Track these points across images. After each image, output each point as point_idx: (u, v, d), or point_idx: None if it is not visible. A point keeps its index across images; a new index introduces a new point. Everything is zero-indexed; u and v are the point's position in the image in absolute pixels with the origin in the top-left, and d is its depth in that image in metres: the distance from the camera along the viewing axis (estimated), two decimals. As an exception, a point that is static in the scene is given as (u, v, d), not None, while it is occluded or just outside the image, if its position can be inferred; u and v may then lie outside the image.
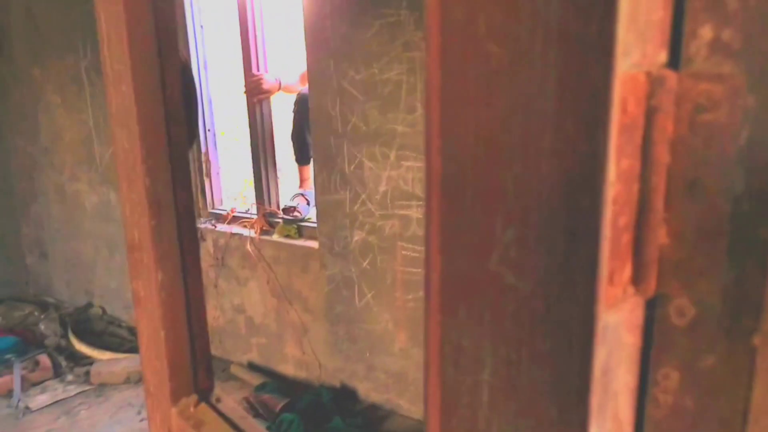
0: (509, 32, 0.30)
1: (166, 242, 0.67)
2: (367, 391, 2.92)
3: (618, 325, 0.31)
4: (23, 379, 3.27)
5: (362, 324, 2.85)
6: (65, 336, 3.73)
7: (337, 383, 3.03)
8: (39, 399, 3.18)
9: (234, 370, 3.35)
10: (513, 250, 0.32)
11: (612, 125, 0.28)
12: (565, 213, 0.29)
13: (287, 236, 3.08)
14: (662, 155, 0.30)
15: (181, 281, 0.69)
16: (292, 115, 3.12)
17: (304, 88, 3.02)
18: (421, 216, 2.52)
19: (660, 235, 0.31)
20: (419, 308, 2.64)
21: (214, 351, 3.53)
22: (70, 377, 3.36)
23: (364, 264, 2.76)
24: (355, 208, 2.72)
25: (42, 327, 3.80)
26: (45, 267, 4.40)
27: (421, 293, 2.65)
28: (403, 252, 2.62)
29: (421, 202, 2.50)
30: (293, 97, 3.12)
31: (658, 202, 0.30)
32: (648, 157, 0.30)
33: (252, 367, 3.37)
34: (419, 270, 2.58)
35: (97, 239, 3.93)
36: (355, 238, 2.76)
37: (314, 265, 2.98)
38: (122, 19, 0.62)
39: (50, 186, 4.11)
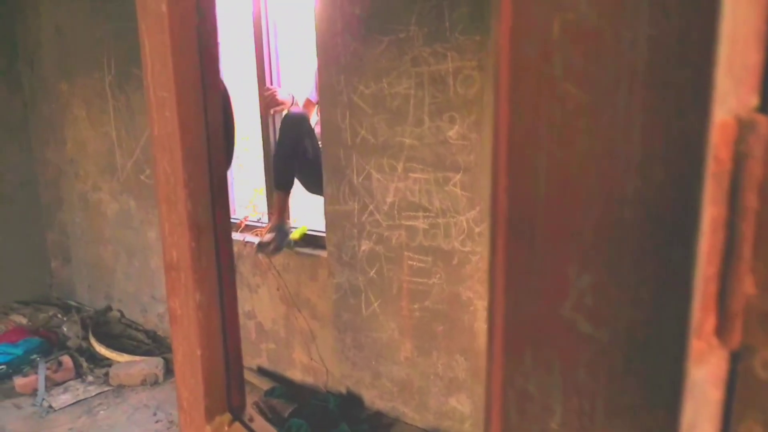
0: (589, 74, 0.27)
1: (205, 263, 0.65)
2: (373, 398, 2.87)
3: (704, 380, 0.28)
4: (47, 379, 3.22)
5: (369, 332, 2.81)
6: (86, 338, 3.68)
7: (343, 389, 2.98)
8: (62, 398, 3.13)
9: (244, 374, 3.31)
10: (589, 298, 0.28)
11: (706, 172, 0.25)
12: (651, 262, 0.25)
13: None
14: (752, 202, 0.27)
15: (218, 301, 0.66)
16: (278, 135, 2.96)
17: (295, 108, 2.98)
18: (427, 226, 2.48)
19: (747, 285, 0.27)
20: (425, 317, 2.60)
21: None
22: (90, 378, 3.32)
23: (371, 273, 2.72)
24: (363, 218, 2.68)
25: (65, 329, 3.76)
26: (68, 271, 4.37)
27: (427, 302, 2.63)
28: (410, 262, 2.58)
29: (426, 213, 2.47)
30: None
31: (747, 251, 0.27)
32: (737, 204, 0.27)
33: (261, 371, 3.32)
34: (425, 280, 2.55)
35: (117, 245, 3.90)
36: (363, 247, 2.72)
37: (322, 274, 2.94)
38: (167, 48, 0.60)
39: (74, 195, 4.08)
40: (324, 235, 2.90)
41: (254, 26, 3.00)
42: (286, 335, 3.18)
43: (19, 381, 3.22)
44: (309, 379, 3.13)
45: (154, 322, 3.82)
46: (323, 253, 2.91)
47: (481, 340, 2.45)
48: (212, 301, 0.65)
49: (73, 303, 4.28)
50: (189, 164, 0.62)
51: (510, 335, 0.31)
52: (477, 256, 2.38)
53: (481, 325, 2.44)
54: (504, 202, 0.30)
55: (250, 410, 0.76)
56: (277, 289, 3.12)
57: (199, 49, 0.61)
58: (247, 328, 3.34)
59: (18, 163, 4.18)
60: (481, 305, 2.42)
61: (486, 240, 2.30)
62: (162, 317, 3.75)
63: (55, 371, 3.29)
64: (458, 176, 2.34)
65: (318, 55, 2.64)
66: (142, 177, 3.54)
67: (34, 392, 3.18)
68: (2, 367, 3.36)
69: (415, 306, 2.60)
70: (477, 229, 2.35)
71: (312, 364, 3.08)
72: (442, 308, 2.53)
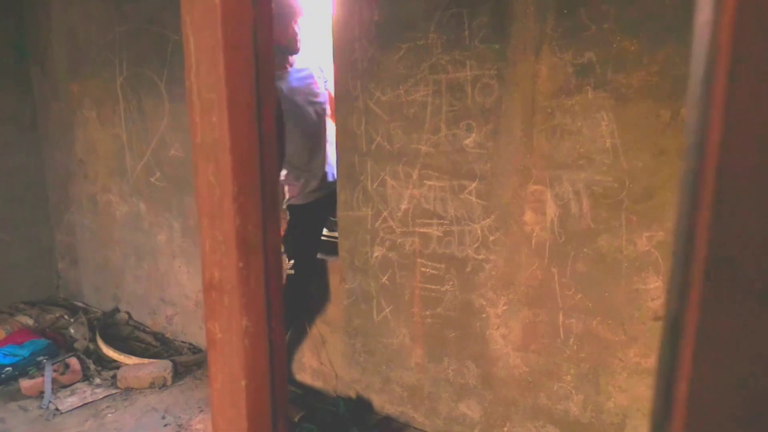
0: None
1: (254, 286, 0.60)
2: (383, 403, 2.84)
3: None
4: (54, 381, 3.19)
5: (379, 337, 2.78)
6: (93, 340, 3.65)
7: (352, 394, 2.94)
8: (69, 401, 3.09)
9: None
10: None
11: None
12: None
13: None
14: None
15: (267, 328, 0.63)
16: None
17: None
18: (441, 234, 2.45)
19: None
20: (436, 324, 2.56)
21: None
22: (98, 380, 3.28)
23: (384, 279, 2.69)
24: (377, 224, 2.65)
25: (72, 330, 3.73)
26: (75, 272, 4.33)
27: (439, 309, 2.60)
28: (423, 269, 2.55)
29: (441, 220, 2.44)
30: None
31: None
32: None
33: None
34: (437, 287, 2.51)
35: (126, 247, 3.87)
36: (376, 253, 2.69)
37: (334, 279, 2.91)
38: (219, 44, 0.56)
39: (83, 196, 4.05)
40: (336, 240, 2.87)
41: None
42: (295, 339, 3.15)
43: (25, 383, 3.18)
44: (318, 384, 3.09)
45: (163, 324, 3.79)
46: (335, 259, 2.87)
47: (492, 346, 2.42)
48: (260, 328, 0.62)
49: (80, 304, 4.25)
50: (239, 176, 0.58)
51: (693, 407, 0.26)
52: (490, 264, 2.35)
53: (492, 333, 2.41)
54: (704, 245, 0.26)
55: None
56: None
57: (255, 46, 0.57)
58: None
59: (27, 163, 4.15)
60: (492, 313, 2.39)
61: (501, 248, 2.27)
62: (170, 319, 3.72)
63: (62, 373, 3.25)
64: (474, 184, 2.31)
65: (335, 60, 2.60)
66: (152, 179, 3.51)
67: (40, 395, 3.14)
68: (8, 368, 3.32)
69: (427, 312, 2.57)
70: (491, 237, 2.32)
71: (322, 368, 3.05)
72: (454, 315, 2.50)
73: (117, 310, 4.03)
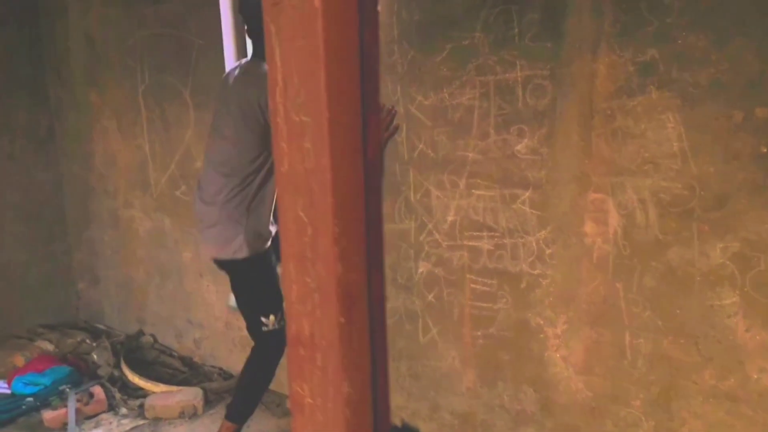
0: None
1: (357, 345, 0.57)
2: (431, 431, 2.91)
3: None
4: (78, 411, 3.32)
5: (426, 360, 2.85)
6: (118, 366, 3.80)
7: (398, 422, 3.02)
8: (94, 433, 3.24)
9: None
10: None
11: None
12: None
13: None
14: None
15: (371, 395, 0.59)
16: None
17: None
18: (492, 247, 2.52)
19: None
20: (489, 345, 2.63)
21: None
22: (124, 410, 3.42)
23: (430, 297, 2.76)
24: (421, 238, 2.73)
25: (95, 356, 3.88)
26: (96, 293, 4.51)
27: (492, 329, 2.66)
28: (472, 285, 2.62)
29: (492, 232, 2.51)
30: None
31: None
32: None
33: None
34: (489, 305, 2.58)
35: (150, 266, 4.02)
36: (420, 269, 2.77)
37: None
38: (319, 57, 0.50)
39: (104, 211, 4.23)
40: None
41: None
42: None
43: (47, 415, 3.31)
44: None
45: (190, 348, 3.92)
46: (375, 276, 2.96)
47: (552, 369, 2.47)
48: (364, 395, 0.58)
49: (101, 327, 4.42)
50: (342, 214, 0.53)
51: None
52: (548, 279, 2.41)
53: (551, 354, 2.47)
54: None
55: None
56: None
57: (361, 57, 0.53)
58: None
59: (43, 178, 4.35)
60: (551, 333, 2.45)
61: (559, 262, 2.33)
62: (199, 343, 3.85)
63: (86, 403, 3.39)
64: (527, 193, 2.37)
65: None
66: (177, 193, 3.65)
67: (63, 427, 3.27)
68: (29, 399, 3.45)
69: (479, 333, 2.64)
70: (548, 251, 2.38)
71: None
72: (509, 335, 2.56)
73: (141, 332, 4.18)
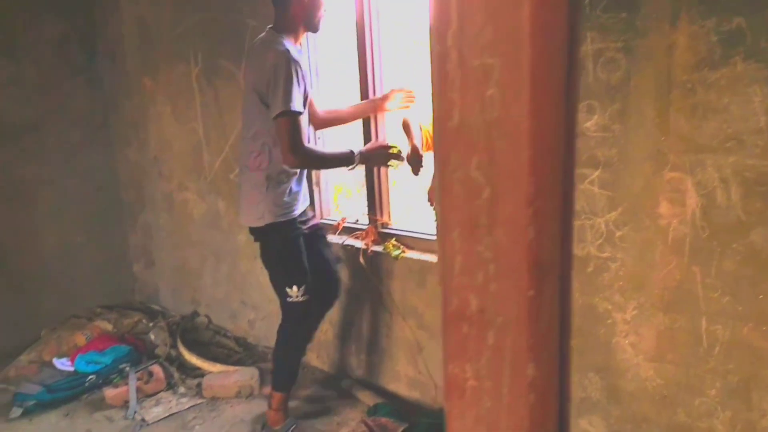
0: None
1: (546, 322, 0.49)
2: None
3: None
4: (138, 390, 3.30)
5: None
6: (174, 346, 3.76)
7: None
8: (154, 412, 3.20)
9: (345, 386, 3.28)
10: None
11: None
12: None
13: (395, 257, 2.97)
14: None
15: (558, 380, 0.51)
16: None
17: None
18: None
19: None
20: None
21: (322, 365, 3.48)
22: (182, 389, 3.38)
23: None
24: (480, 221, 2.58)
25: (152, 336, 3.85)
26: (152, 275, 4.49)
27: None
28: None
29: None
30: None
31: None
32: None
33: (362, 383, 3.28)
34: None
35: (204, 248, 3.96)
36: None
37: (431, 280, 2.87)
38: (525, 53, 0.43)
39: (158, 195, 4.18)
40: (434, 238, 2.82)
41: (357, 28, 2.95)
42: (389, 346, 3.14)
43: (109, 392, 3.32)
44: (415, 394, 3.07)
45: (245, 328, 3.87)
46: (432, 258, 2.83)
47: (620, 356, 2.32)
48: (551, 379, 0.50)
49: (157, 308, 4.40)
50: (539, 172, 0.45)
51: None
52: (617, 263, 2.25)
53: (619, 341, 2.31)
54: None
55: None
56: (380, 296, 3.07)
57: (570, 53, 0.44)
58: (347, 338, 3.32)
59: (99, 163, 4.32)
60: (620, 318, 2.29)
61: (630, 245, 2.16)
62: (253, 324, 3.79)
63: (146, 382, 3.37)
64: (596, 173, 2.21)
65: (433, 75, 2.55)
66: (231, 176, 3.57)
67: (124, 404, 3.26)
68: (91, 377, 3.46)
69: (542, 318, 2.49)
70: (618, 233, 2.21)
71: (419, 377, 3.03)
72: (575, 321, 2.40)
73: (196, 313, 4.14)
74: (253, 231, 2.74)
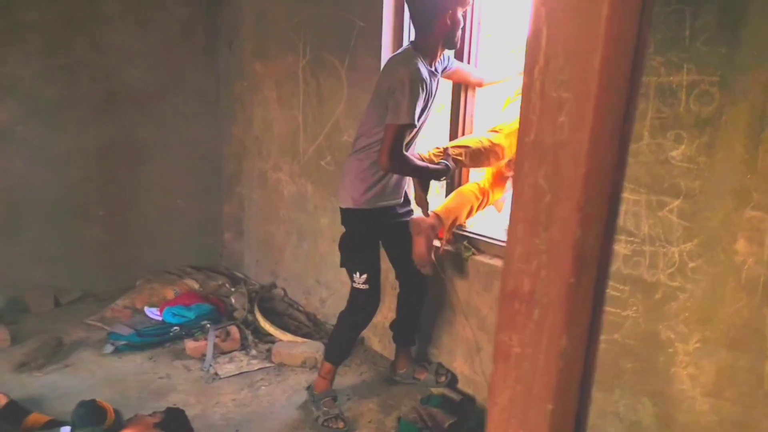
0: None
1: (581, 305, 0.58)
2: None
3: None
4: (215, 346, 3.47)
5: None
6: (251, 311, 3.92)
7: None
8: (227, 368, 3.36)
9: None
10: None
11: None
12: None
13: (465, 258, 2.98)
14: None
15: (585, 352, 0.60)
16: None
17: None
18: (629, 252, 2.30)
19: None
20: (611, 351, 2.42)
21: (383, 350, 3.53)
22: (254, 352, 3.52)
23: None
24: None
25: (233, 300, 4.04)
26: (239, 244, 4.69)
27: (616, 335, 2.45)
28: (600, 288, 2.42)
29: (631, 237, 2.29)
30: None
31: None
32: None
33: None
34: (618, 310, 2.37)
35: (290, 226, 4.10)
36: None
37: (497, 285, 2.85)
38: (598, 38, 0.52)
39: (255, 172, 4.36)
40: (505, 244, 2.81)
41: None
42: (449, 343, 3.15)
43: (190, 344, 3.51)
44: (468, 391, 3.07)
45: (316, 305, 3.97)
46: (500, 263, 2.82)
47: (677, 386, 2.25)
48: (579, 351, 0.59)
49: (240, 275, 4.59)
50: (591, 185, 0.54)
51: None
52: (686, 293, 2.17)
53: (678, 371, 2.24)
54: None
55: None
56: (446, 294, 3.09)
57: (639, 35, 0.53)
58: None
59: (207, 135, 4.54)
60: (681, 349, 2.22)
61: (702, 277, 2.09)
62: (324, 302, 3.89)
63: (223, 340, 3.53)
64: (677, 202, 2.14)
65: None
66: (322, 163, 3.68)
67: (201, 357, 3.44)
68: (176, 328, 3.66)
69: (602, 337, 2.44)
70: (691, 264, 2.14)
71: (474, 377, 3.03)
72: (634, 345, 2.35)
73: (274, 285, 4.29)
74: (341, 212, 2.85)
